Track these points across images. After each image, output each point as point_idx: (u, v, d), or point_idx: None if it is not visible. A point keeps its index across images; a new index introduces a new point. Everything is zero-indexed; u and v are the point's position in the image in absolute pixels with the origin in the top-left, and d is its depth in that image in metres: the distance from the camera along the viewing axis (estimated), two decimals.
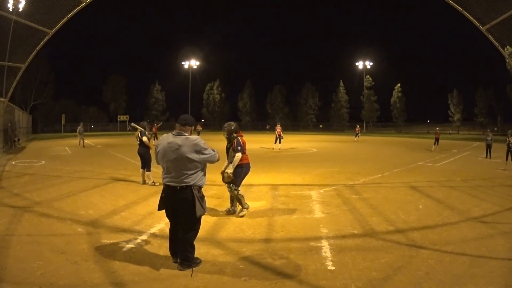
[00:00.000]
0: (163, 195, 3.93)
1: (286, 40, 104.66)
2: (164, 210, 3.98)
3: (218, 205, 6.62)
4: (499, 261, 4.06)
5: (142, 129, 8.99)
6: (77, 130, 22.89)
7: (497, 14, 10.41)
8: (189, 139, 3.77)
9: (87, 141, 28.17)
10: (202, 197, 3.85)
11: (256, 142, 25.40)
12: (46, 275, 3.55)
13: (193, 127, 3.99)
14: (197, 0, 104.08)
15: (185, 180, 3.73)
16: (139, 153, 8.98)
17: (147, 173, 8.87)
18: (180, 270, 3.75)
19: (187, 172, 3.73)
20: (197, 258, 3.93)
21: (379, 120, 62.41)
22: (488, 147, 16.05)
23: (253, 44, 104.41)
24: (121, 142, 27.07)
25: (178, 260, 3.85)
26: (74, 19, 12.14)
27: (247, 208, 6.03)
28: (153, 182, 8.69)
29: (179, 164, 3.72)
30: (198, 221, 3.92)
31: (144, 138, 8.89)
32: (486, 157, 15.93)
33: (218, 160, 3.97)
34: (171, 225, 4.01)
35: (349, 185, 8.99)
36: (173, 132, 3.88)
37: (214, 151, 3.93)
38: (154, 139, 19.45)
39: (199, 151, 3.76)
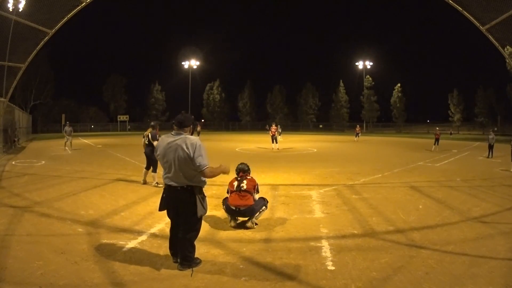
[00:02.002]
0: (164, 195, 3.93)
1: (286, 40, 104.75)
2: (164, 210, 3.97)
3: (218, 205, 6.60)
4: (499, 261, 4.06)
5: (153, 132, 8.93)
6: (64, 131, 21.30)
7: (497, 14, 10.44)
8: (188, 139, 3.74)
9: (87, 141, 28.22)
10: (203, 197, 3.85)
11: (256, 142, 25.41)
12: (46, 275, 3.55)
13: (191, 126, 3.92)
14: (197, 0, 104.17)
15: (186, 180, 3.73)
16: (146, 154, 8.92)
17: (152, 173, 8.86)
18: (180, 270, 3.74)
19: (188, 172, 3.73)
20: (197, 258, 3.93)
21: (379, 120, 62.41)
22: (490, 146, 16.17)
23: (253, 44, 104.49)
24: (121, 142, 27.06)
25: (178, 260, 3.85)
26: (74, 19, 12.17)
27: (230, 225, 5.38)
28: (157, 183, 8.67)
29: (179, 164, 3.71)
30: (199, 221, 3.92)
31: (155, 143, 8.83)
32: (488, 156, 16.04)
33: (209, 175, 3.72)
34: (171, 225, 4.00)
35: (349, 185, 8.99)
36: (172, 133, 3.87)
37: (207, 165, 3.69)
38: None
39: (193, 152, 3.66)
